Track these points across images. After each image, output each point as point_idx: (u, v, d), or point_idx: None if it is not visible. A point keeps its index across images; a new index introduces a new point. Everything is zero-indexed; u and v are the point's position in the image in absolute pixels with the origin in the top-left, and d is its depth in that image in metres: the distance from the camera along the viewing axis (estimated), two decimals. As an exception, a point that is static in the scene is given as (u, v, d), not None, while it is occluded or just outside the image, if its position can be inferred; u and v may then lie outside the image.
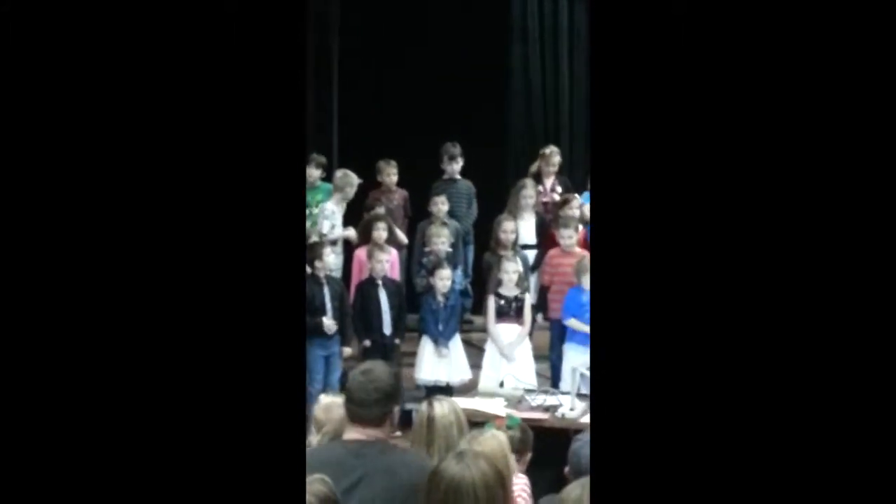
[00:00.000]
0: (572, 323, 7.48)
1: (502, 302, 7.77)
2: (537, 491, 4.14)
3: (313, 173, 8.77)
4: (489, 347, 7.82)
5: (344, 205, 8.62)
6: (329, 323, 7.59)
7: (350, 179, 8.57)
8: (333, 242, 8.16)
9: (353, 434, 3.37)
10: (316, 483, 2.90)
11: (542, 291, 8.16)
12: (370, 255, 7.98)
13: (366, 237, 8.40)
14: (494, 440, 3.86)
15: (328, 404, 4.26)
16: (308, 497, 2.81)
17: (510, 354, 7.65)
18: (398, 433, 7.43)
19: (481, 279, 8.56)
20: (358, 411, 3.35)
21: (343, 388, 4.28)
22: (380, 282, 7.92)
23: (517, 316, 7.78)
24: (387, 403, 3.36)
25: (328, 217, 8.38)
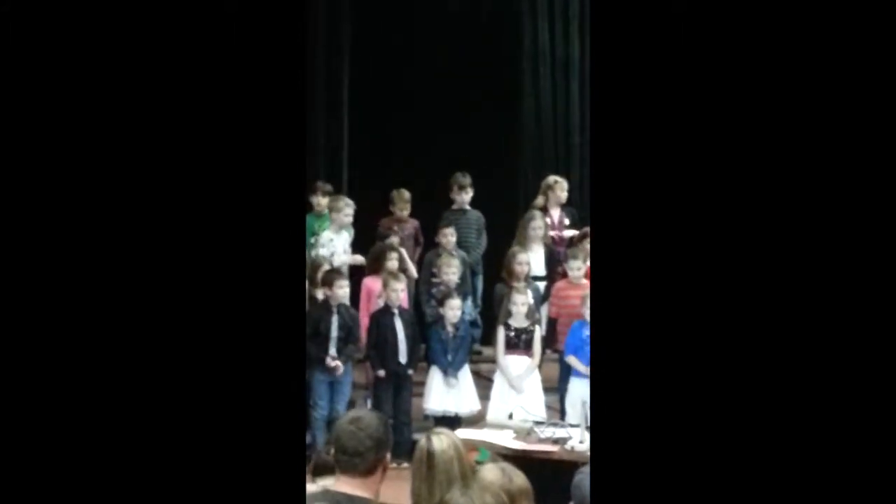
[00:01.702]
0: (571, 361, 7.47)
1: (512, 333, 7.75)
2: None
3: (320, 202, 8.75)
4: (498, 379, 7.79)
5: (345, 232, 8.57)
6: (332, 360, 7.56)
7: (340, 204, 8.54)
8: (338, 274, 8.09)
9: (342, 486, 3.31)
10: None
11: (551, 323, 8.13)
12: (385, 285, 7.97)
13: (374, 266, 8.38)
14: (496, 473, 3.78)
15: None
16: None
17: (519, 386, 7.62)
18: (404, 464, 7.45)
19: (490, 310, 8.53)
20: (351, 461, 3.28)
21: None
22: (396, 311, 7.92)
23: (527, 348, 7.76)
24: (379, 450, 3.30)
25: (325, 245, 8.36)
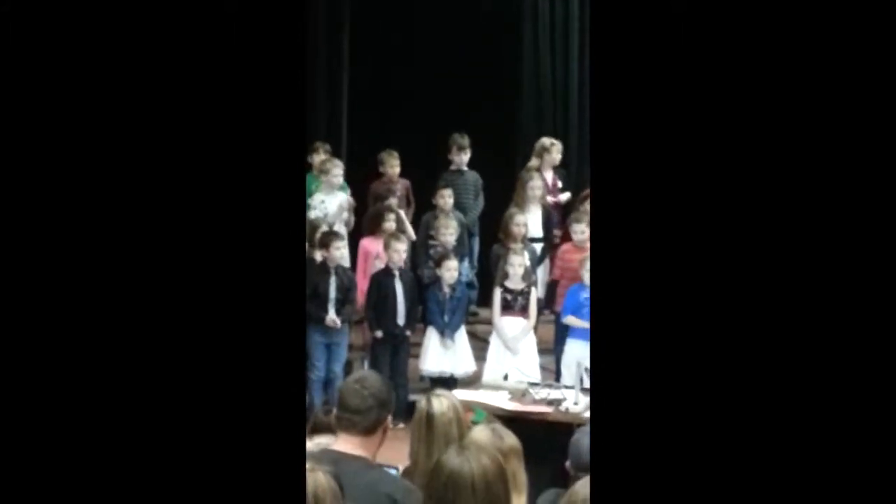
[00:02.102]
0: (570, 320, 7.46)
1: (508, 296, 7.76)
2: (540, 484, 4.12)
3: (321, 162, 8.72)
4: (493, 340, 7.82)
5: (340, 193, 8.51)
6: (332, 318, 7.58)
7: (328, 165, 8.50)
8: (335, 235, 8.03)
9: (341, 445, 3.35)
10: (317, 473, 2.87)
11: (552, 285, 8.14)
12: (386, 246, 7.94)
13: (372, 228, 8.38)
14: (502, 433, 3.78)
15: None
16: (311, 488, 2.78)
17: (514, 348, 7.65)
18: (401, 425, 7.50)
19: (487, 271, 8.55)
20: (352, 419, 3.34)
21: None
22: (396, 273, 7.90)
23: (523, 310, 7.78)
24: (381, 411, 3.36)
25: (316, 207, 8.32)
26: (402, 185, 9.06)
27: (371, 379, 3.42)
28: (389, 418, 3.44)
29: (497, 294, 7.79)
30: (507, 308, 7.79)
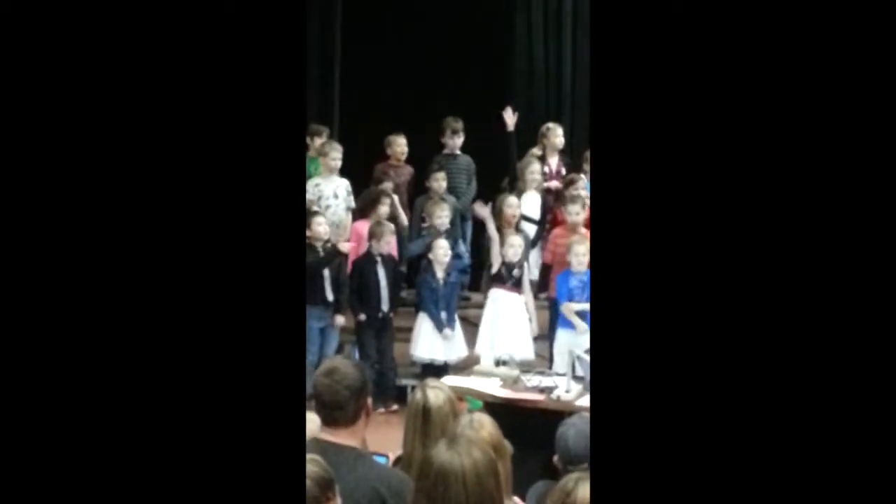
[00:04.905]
0: (565, 309, 7.38)
1: (503, 269, 7.74)
2: (529, 474, 4.12)
3: (317, 145, 8.67)
4: (484, 324, 7.79)
5: (336, 177, 8.46)
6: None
7: (327, 148, 8.43)
8: (317, 213, 7.93)
9: (328, 435, 3.31)
10: (309, 464, 2.87)
11: (545, 269, 8.12)
12: (377, 235, 7.88)
13: (366, 211, 8.33)
14: (490, 425, 3.74)
15: None
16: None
17: (506, 319, 7.68)
18: (395, 406, 7.51)
19: (479, 256, 8.53)
20: (332, 414, 3.29)
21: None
22: (378, 259, 7.89)
23: (516, 286, 7.77)
24: (358, 399, 3.29)
25: (309, 191, 8.24)
26: (407, 171, 9.03)
27: (341, 369, 3.31)
28: (370, 400, 3.37)
29: (490, 268, 7.77)
30: (499, 280, 7.78)
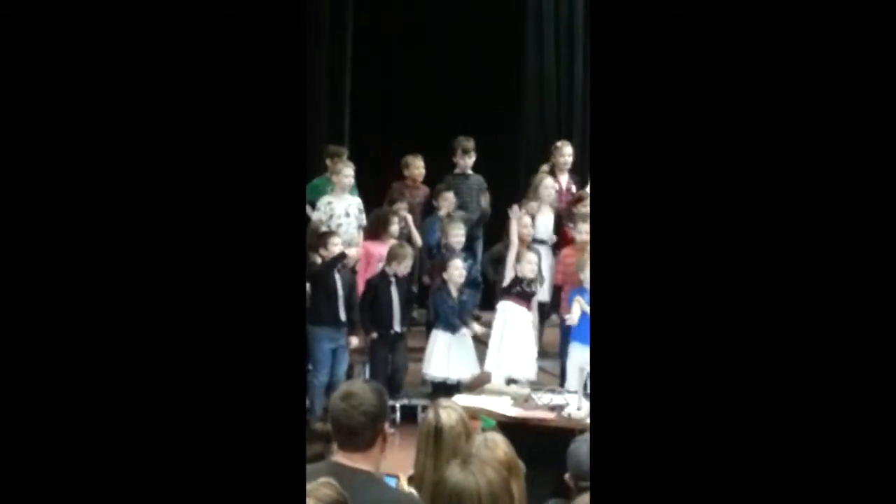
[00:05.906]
0: (578, 301, 7.22)
1: (517, 283, 7.72)
2: (540, 492, 4.10)
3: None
4: (492, 343, 7.77)
5: (348, 196, 8.46)
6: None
7: (339, 166, 8.42)
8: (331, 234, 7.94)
9: (343, 458, 3.27)
10: (322, 487, 2.86)
11: (556, 291, 8.09)
12: (398, 258, 7.86)
13: (376, 230, 8.34)
14: (504, 444, 3.70)
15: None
16: (314, 502, 2.77)
17: (514, 331, 7.64)
18: (392, 430, 7.47)
19: (487, 275, 8.53)
20: (349, 439, 3.24)
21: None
22: (392, 279, 7.88)
23: (526, 300, 7.76)
24: (375, 424, 3.24)
25: (320, 209, 8.27)
26: (423, 192, 9.04)
27: (359, 394, 3.26)
28: (387, 426, 3.33)
29: (503, 282, 7.75)
30: (510, 293, 7.75)
